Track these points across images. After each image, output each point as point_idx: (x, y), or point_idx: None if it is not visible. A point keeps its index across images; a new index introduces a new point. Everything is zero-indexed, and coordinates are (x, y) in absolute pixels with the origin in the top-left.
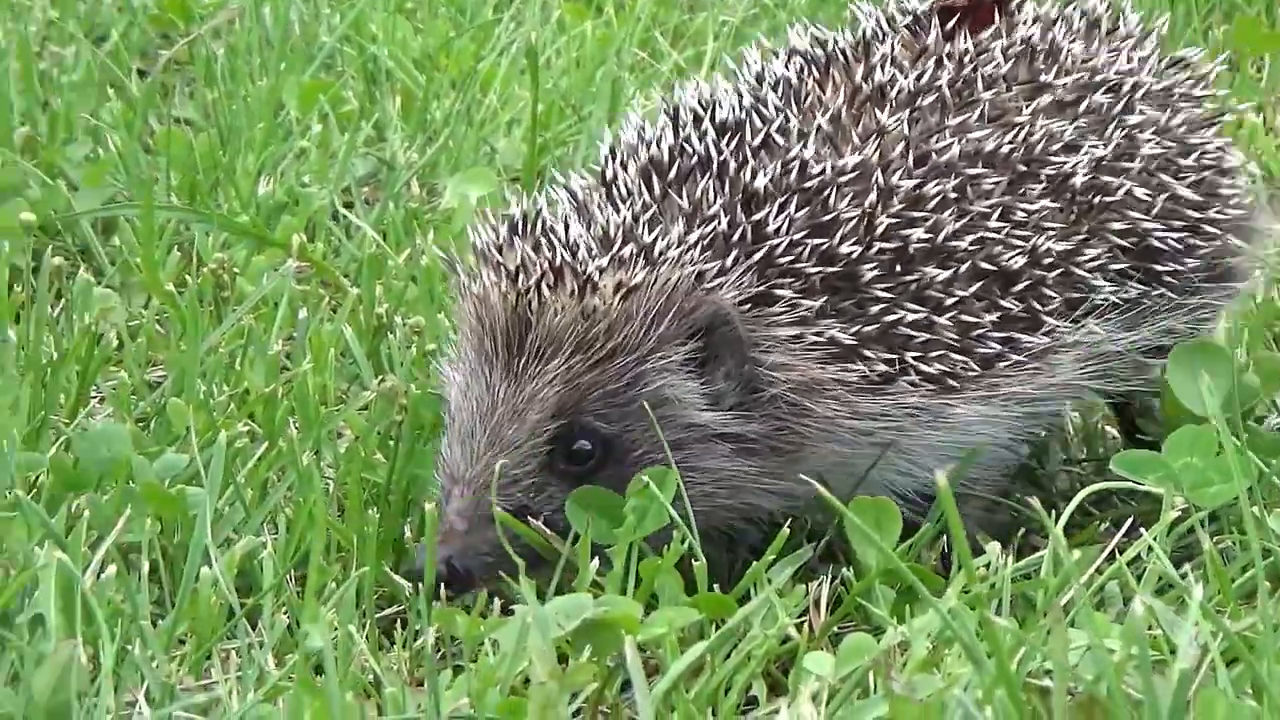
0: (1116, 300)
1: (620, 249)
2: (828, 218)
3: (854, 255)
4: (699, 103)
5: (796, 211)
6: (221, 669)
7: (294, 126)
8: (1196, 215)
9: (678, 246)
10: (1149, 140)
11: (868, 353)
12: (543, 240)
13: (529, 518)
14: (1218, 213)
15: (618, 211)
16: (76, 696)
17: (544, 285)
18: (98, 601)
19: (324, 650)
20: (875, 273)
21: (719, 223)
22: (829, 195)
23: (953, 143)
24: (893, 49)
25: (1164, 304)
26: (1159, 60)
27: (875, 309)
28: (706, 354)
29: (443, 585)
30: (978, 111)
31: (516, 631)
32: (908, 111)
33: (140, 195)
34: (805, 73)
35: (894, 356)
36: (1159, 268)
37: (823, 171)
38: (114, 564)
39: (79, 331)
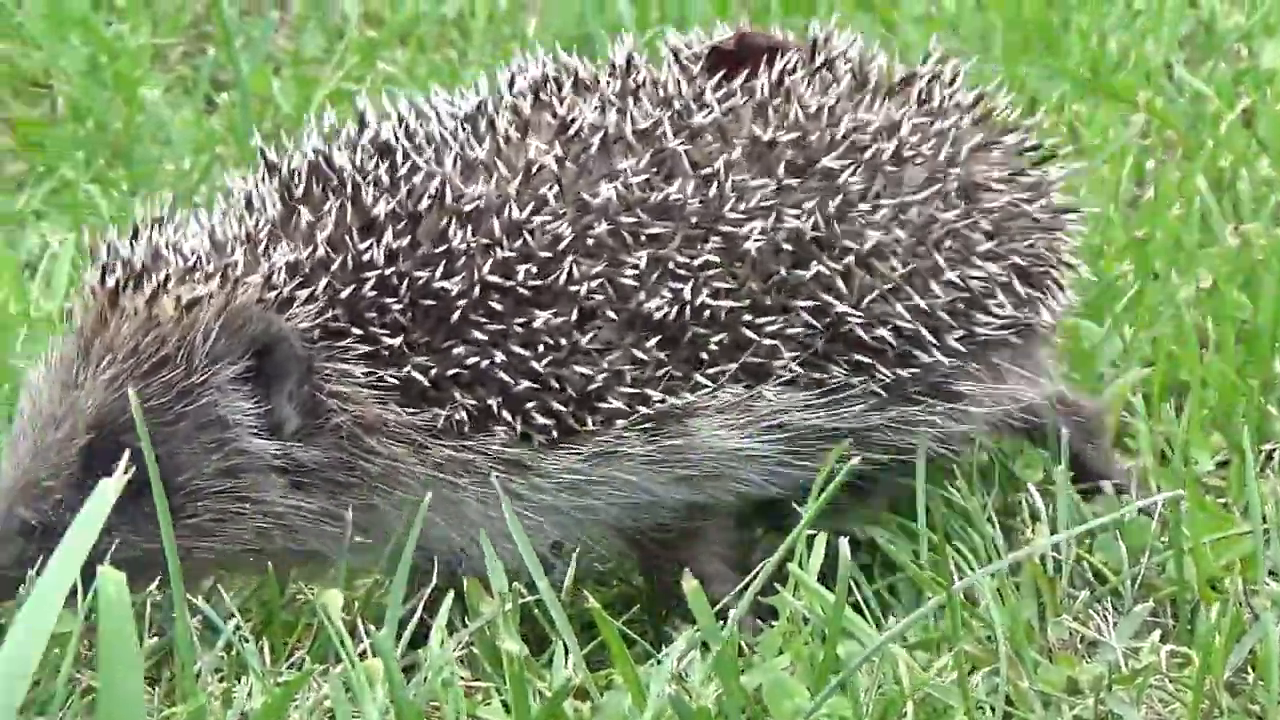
0: (814, 378)
1: (209, 263)
2: (438, 250)
3: (453, 291)
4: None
5: (404, 241)
6: None
7: None
8: (921, 329)
9: (265, 267)
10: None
11: (455, 396)
12: (162, 245)
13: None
14: (958, 339)
15: (242, 222)
16: None
17: (123, 289)
18: None
19: None
20: (474, 313)
21: (318, 248)
22: (447, 226)
23: (612, 186)
24: (617, 87)
25: (869, 399)
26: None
27: (464, 349)
28: (265, 374)
29: None
30: (656, 156)
31: None
32: (564, 148)
33: (974, 49)
34: (520, 96)
35: (483, 403)
36: (862, 358)
37: (443, 200)
38: None
39: None
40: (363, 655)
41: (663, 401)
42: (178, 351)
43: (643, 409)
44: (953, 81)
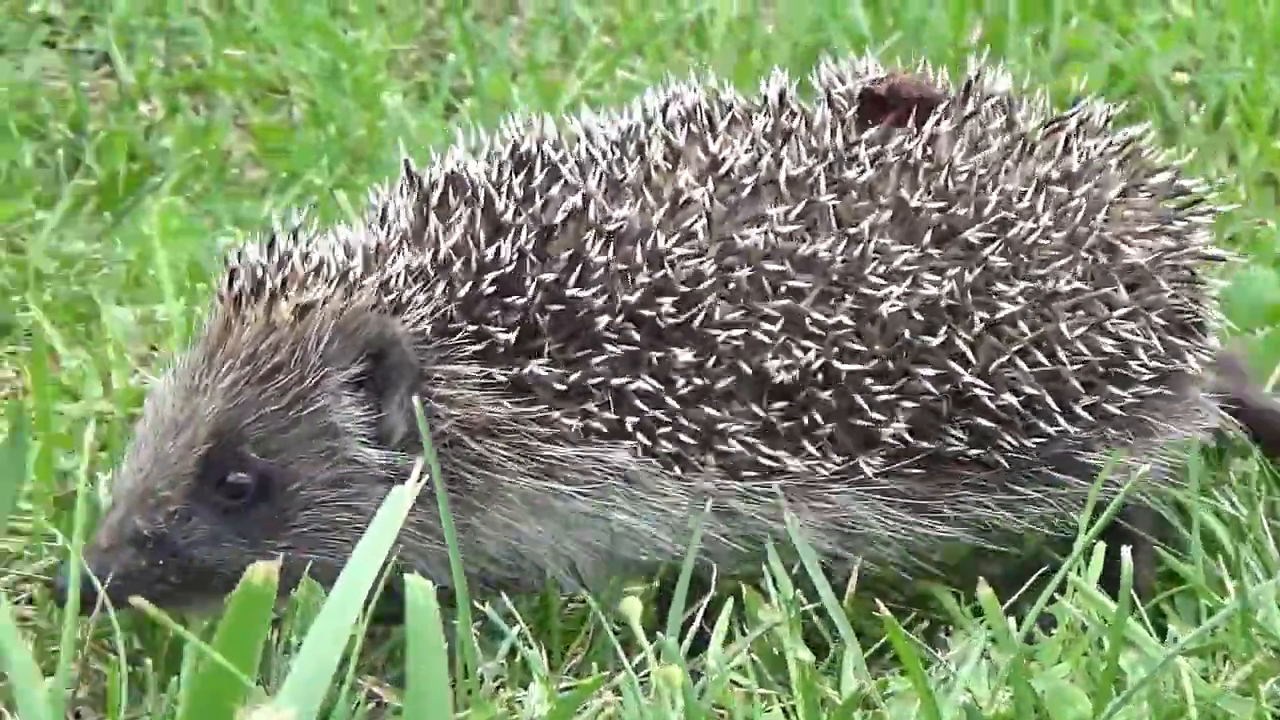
0: (924, 447)
1: (330, 270)
2: (572, 258)
3: (586, 300)
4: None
5: (532, 245)
6: None
7: None
8: (1046, 396)
9: (385, 273)
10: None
11: (590, 408)
12: (290, 252)
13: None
14: (1088, 406)
15: (371, 234)
16: None
17: (246, 295)
18: None
19: None
20: (610, 333)
21: (440, 251)
22: (585, 240)
23: (761, 232)
24: (769, 126)
25: (983, 476)
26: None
27: (598, 364)
28: (379, 381)
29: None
30: (806, 206)
31: None
32: (714, 185)
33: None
34: (674, 126)
35: (620, 420)
36: (985, 423)
37: (585, 216)
38: None
39: None
40: (642, 663)
41: (769, 464)
42: (292, 356)
43: (758, 468)
44: (1101, 128)
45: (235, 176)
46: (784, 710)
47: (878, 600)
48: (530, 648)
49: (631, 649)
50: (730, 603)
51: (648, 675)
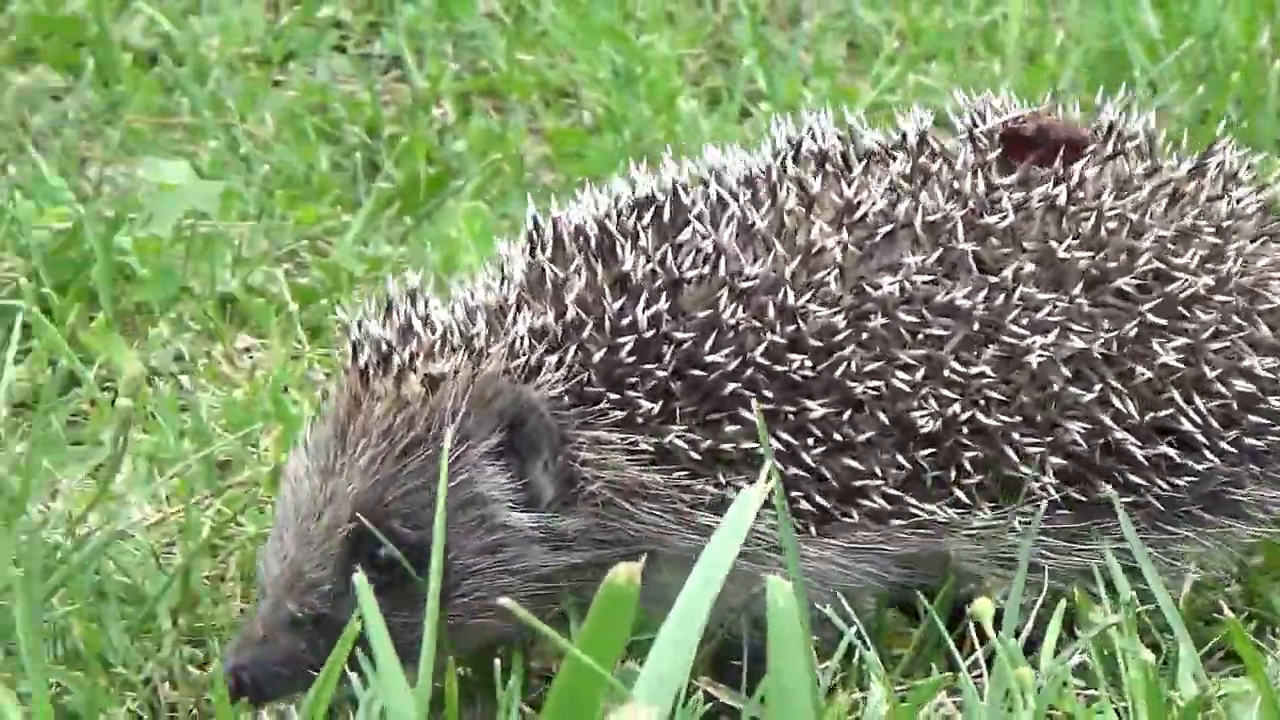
0: (1073, 497)
1: (455, 335)
2: (706, 320)
3: (722, 365)
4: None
5: (666, 306)
6: None
7: None
8: (1198, 436)
9: (510, 336)
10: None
11: (719, 475)
12: (411, 319)
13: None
14: (1239, 438)
15: (489, 292)
16: None
17: (373, 369)
18: None
19: None
20: (745, 393)
21: (567, 309)
22: (717, 298)
23: (897, 280)
24: (908, 167)
25: (1134, 516)
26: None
27: (732, 428)
28: (520, 448)
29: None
30: (943, 254)
31: None
32: (848, 231)
33: None
34: (805, 165)
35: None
36: (1135, 478)
37: (715, 270)
38: None
39: None
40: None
41: (919, 514)
42: (428, 431)
43: (903, 518)
44: (1236, 174)
45: (529, 180)
46: (1117, 712)
47: (1220, 601)
48: (868, 649)
49: (962, 650)
50: (1060, 606)
51: (978, 676)
